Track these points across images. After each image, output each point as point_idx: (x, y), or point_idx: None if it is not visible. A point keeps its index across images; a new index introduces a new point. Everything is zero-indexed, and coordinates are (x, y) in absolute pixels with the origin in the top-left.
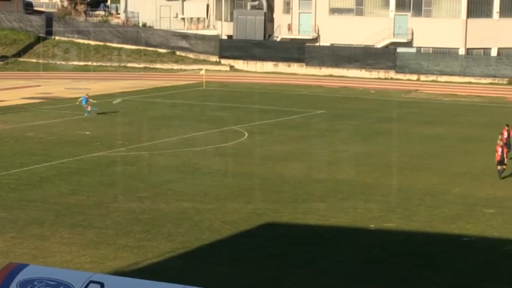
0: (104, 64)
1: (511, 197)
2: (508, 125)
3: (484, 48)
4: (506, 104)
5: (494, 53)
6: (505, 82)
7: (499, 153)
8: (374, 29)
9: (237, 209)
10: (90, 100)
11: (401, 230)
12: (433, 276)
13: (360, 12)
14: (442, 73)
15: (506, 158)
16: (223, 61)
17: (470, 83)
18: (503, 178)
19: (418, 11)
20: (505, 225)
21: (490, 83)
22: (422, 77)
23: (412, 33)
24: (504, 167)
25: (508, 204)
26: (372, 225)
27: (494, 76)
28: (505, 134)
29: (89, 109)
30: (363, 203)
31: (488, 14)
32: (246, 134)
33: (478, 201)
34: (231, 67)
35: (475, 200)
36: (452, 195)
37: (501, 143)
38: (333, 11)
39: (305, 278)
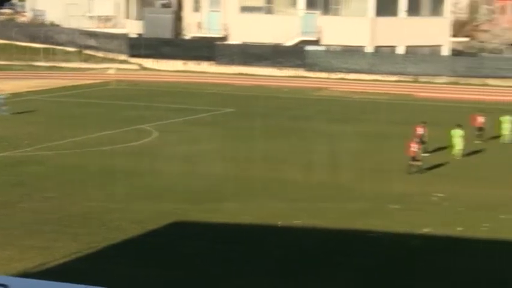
0: (10, 63)
1: (417, 192)
2: (424, 122)
3: (391, 46)
4: (413, 101)
5: (401, 51)
6: (411, 79)
7: (413, 149)
8: (283, 27)
9: (146, 209)
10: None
11: (309, 226)
12: (342, 272)
13: (269, 10)
14: (351, 71)
15: (420, 154)
16: (132, 60)
17: (377, 80)
18: (416, 173)
19: (326, 10)
20: (411, 221)
21: (397, 81)
22: (332, 75)
23: (321, 32)
24: (418, 163)
25: (413, 199)
26: (279, 223)
27: (401, 74)
28: (420, 131)
29: (4, 108)
30: (272, 200)
31: (395, 12)
32: (156, 133)
33: (385, 197)
34: (141, 66)
35: (382, 196)
36: (360, 192)
37: (416, 140)
38: (243, 9)
39: (215, 278)
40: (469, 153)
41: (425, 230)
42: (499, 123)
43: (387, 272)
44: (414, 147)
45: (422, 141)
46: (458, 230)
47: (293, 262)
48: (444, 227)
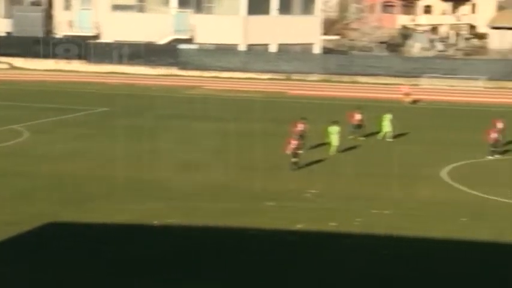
0: None
1: (292, 189)
2: (303, 119)
3: (264, 45)
4: (286, 99)
5: (273, 49)
6: (283, 77)
7: (293, 145)
8: (156, 26)
9: (19, 210)
10: None
11: (185, 226)
12: (218, 271)
13: (141, 9)
14: (224, 69)
15: (299, 150)
16: (1, 59)
17: (251, 78)
18: (296, 170)
19: (199, 8)
20: (286, 217)
21: (270, 79)
22: (205, 73)
23: (194, 30)
24: (297, 159)
25: (288, 196)
26: (155, 222)
27: (274, 72)
28: (300, 127)
29: None
30: (147, 200)
31: (267, 11)
32: (27, 133)
33: (260, 194)
34: (11, 65)
35: (258, 194)
36: (236, 190)
37: (295, 136)
38: (115, 7)
39: (89, 278)
40: (345, 150)
41: (299, 226)
42: (380, 120)
43: (263, 269)
44: (294, 143)
45: (302, 138)
46: (331, 225)
47: (168, 261)
48: (318, 223)
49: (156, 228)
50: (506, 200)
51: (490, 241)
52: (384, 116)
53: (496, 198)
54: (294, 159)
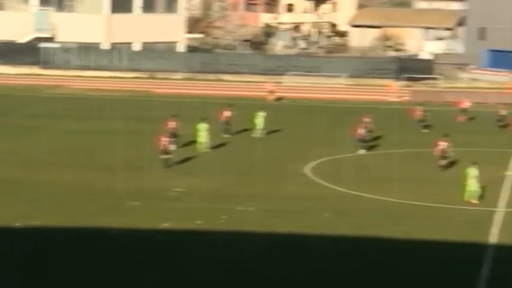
0: None
1: (159, 187)
2: (175, 116)
3: (127, 43)
4: (151, 98)
5: (137, 47)
6: (147, 76)
7: (164, 143)
8: (16, 24)
9: None
10: None
11: (49, 226)
12: (83, 271)
13: (0, 6)
14: (88, 68)
15: (171, 148)
16: None
17: (115, 77)
18: (166, 168)
19: (61, 6)
20: (152, 216)
21: (135, 77)
22: (68, 72)
23: (56, 29)
24: (169, 156)
25: (154, 195)
26: (18, 224)
27: (138, 70)
28: (171, 125)
29: None
30: (8, 200)
31: (131, 9)
32: None
33: (125, 194)
34: None
35: (124, 193)
36: (101, 190)
37: (167, 134)
38: None
39: None
40: (214, 147)
41: (166, 225)
42: (253, 117)
43: (131, 269)
44: (165, 141)
45: (174, 135)
46: (197, 223)
47: (31, 263)
48: (184, 221)
49: (17, 230)
50: (370, 195)
51: (351, 235)
52: (257, 113)
53: (359, 193)
54: (165, 157)
